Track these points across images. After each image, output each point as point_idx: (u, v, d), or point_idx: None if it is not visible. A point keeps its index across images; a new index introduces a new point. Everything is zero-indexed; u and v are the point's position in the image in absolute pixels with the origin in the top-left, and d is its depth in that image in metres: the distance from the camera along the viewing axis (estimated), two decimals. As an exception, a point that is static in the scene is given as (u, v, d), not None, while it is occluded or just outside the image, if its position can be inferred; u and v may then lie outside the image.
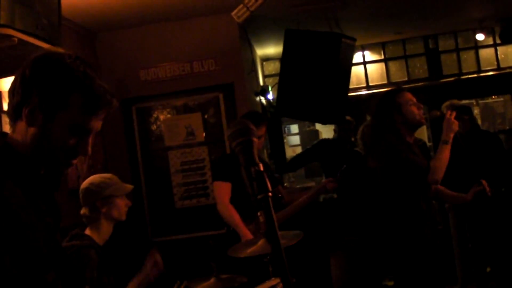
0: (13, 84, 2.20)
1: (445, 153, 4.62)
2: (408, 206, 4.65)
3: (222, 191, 5.49)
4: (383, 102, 4.83)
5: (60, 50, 2.28)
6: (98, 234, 4.03)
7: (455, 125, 4.68)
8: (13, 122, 2.22)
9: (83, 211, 4.04)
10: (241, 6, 6.18)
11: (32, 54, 2.23)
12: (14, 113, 2.19)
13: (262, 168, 1.68)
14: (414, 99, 4.75)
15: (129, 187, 4.23)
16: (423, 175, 4.61)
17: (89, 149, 2.24)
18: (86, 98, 2.15)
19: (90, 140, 2.23)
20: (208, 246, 5.40)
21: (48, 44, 4.42)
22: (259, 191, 1.65)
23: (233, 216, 5.34)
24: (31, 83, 2.14)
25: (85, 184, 4.09)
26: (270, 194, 1.65)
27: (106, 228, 4.09)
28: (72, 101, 2.13)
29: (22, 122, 2.16)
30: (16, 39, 3.72)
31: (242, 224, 5.31)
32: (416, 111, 4.69)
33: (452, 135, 4.65)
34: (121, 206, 4.10)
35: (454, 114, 4.73)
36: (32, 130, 2.15)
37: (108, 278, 3.92)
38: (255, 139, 1.75)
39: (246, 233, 5.23)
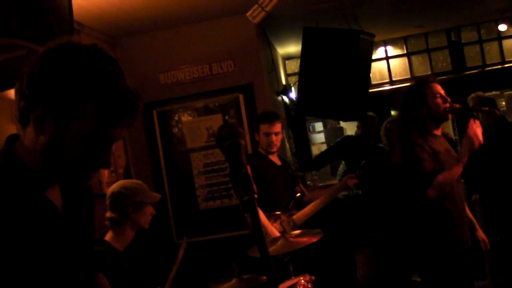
0: (19, 83, 1.87)
1: (455, 172, 4.46)
2: (429, 203, 4.57)
3: None
4: (410, 93, 4.76)
5: (76, 40, 1.95)
6: (120, 239, 4.02)
7: (478, 138, 4.50)
8: (22, 127, 1.92)
9: (110, 214, 4.00)
10: (255, 6, 6.19)
11: (45, 46, 1.91)
12: (21, 118, 1.89)
13: (249, 171, 1.67)
14: (442, 92, 4.66)
15: (158, 196, 4.22)
16: (422, 185, 4.50)
17: (110, 160, 1.98)
18: (107, 105, 1.84)
19: (112, 151, 1.97)
20: (229, 247, 5.44)
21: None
22: (245, 193, 1.64)
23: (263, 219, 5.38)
24: (40, 84, 1.82)
25: (116, 187, 4.06)
26: (255, 196, 1.64)
27: (129, 234, 4.09)
28: (90, 108, 1.82)
29: (31, 129, 1.86)
30: (26, 49, 3.69)
31: (267, 222, 5.33)
32: (441, 104, 4.60)
33: (468, 154, 4.47)
34: (148, 215, 4.10)
35: (477, 122, 4.54)
36: (42, 139, 1.86)
37: (128, 284, 3.92)
38: (242, 142, 1.73)
39: (272, 230, 5.25)
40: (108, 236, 4.01)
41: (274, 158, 5.73)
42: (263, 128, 5.61)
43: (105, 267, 3.76)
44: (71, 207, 2.10)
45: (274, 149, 5.68)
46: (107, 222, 4.02)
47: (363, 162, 5.94)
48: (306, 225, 5.36)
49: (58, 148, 1.86)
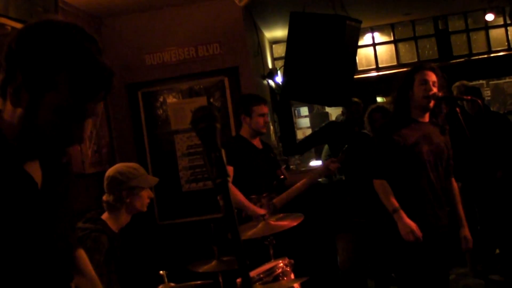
0: None
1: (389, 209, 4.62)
2: (406, 188, 4.62)
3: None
4: (404, 77, 4.79)
5: (58, 18, 1.97)
6: (116, 221, 4.03)
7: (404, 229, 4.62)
8: (3, 101, 1.96)
9: (106, 197, 4.01)
10: (241, -11, 6.18)
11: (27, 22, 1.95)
12: (1, 91, 1.93)
13: (223, 154, 1.69)
14: (432, 79, 4.66)
15: (154, 180, 4.22)
16: (371, 175, 4.65)
17: (84, 136, 1.99)
18: (79, 78, 1.85)
19: (85, 126, 1.97)
20: (209, 229, 5.44)
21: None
22: (218, 176, 1.66)
23: (237, 195, 5.39)
24: (16, 57, 1.86)
25: (111, 172, 4.06)
26: (228, 179, 1.66)
27: (125, 218, 4.10)
28: (60, 80, 1.84)
29: (9, 102, 1.91)
30: (9, 27, 3.70)
31: (247, 201, 5.36)
32: (423, 90, 4.62)
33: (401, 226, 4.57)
34: (145, 198, 4.10)
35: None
36: (18, 112, 1.90)
37: (115, 264, 3.94)
38: (217, 125, 1.75)
39: (254, 209, 5.29)
40: (105, 216, 4.02)
41: (257, 142, 5.74)
42: (258, 109, 5.61)
43: (101, 245, 3.77)
44: (51, 183, 2.11)
45: (265, 130, 5.72)
46: (104, 204, 4.03)
47: (345, 146, 5.95)
48: (288, 209, 5.37)
49: (31, 120, 1.89)
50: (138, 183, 4.01)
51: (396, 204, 4.55)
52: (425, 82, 4.63)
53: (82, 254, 2.66)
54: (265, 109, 5.67)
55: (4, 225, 1.89)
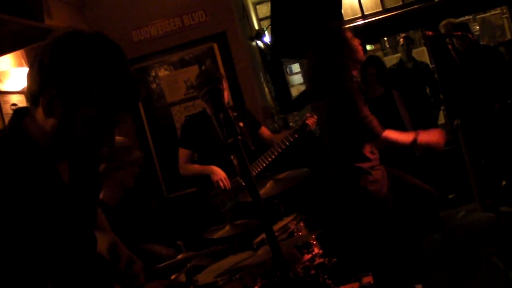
0: (31, 69, 2.01)
1: (402, 141, 4.62)
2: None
3: (181, 156, 5.89)
4: None
5: (81, 28, 2.06)
6: (109, 196, 4.07)
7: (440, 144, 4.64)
8: (34, 107, 2.04)
9: None
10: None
11: (52, 33, 2.02)
12: (32, 100, 2.02)
13: (231, 114, 1.71)
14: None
15: (139, 154, 4.23)
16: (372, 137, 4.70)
17: (112, 143, 2.09)
18: (110, 90, 1.96)
19: (113, 133, 2.08)
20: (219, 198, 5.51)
21: (31, 20, 4.40)
22: (229, 136, 1.68)
23: (192, 167, 5.55)
24: (49, 72, 1.94)
25: None
26: (239, 137, 1.68)
27: (116, 191, 4.13)
28: (94, 94, 1.94)
29: (41, 110, 1.99)
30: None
31: (203, 166, 5.60)
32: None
33: (418, 143, 4.61)
34: (130, 172, 4.12)
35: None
36: (51, 121, 1.99)
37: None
38: (221, 86, 1.77)
39: (212, 169, 5.52)
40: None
41: None
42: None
43: None
44: (78, 183, 2.21)
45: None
46: None
47: None
48: (292, 166, 5.40)
49: (66, 131, 1.99)
50: (122, 158, 4.05)
51: (410, 137, 4.62)
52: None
53: (99, 212, 2.74)
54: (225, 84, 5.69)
55: (34, 222, 1.95)
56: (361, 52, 4.78)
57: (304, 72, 6.65)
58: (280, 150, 5.74)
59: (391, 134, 4.63)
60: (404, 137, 4.67)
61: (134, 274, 2.43)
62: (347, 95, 4.55)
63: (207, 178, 5.68)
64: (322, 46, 4.68)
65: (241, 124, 5.76)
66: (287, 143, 5.79)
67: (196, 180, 5.89)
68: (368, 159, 4.71)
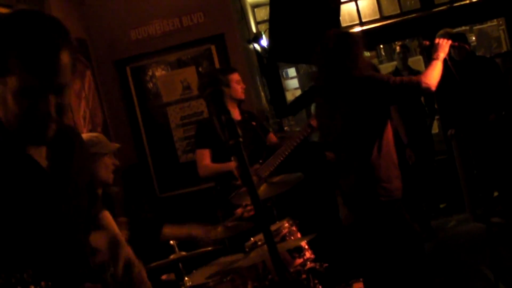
0: None
1: (435, 66, 4.60)
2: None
3: (199, 157, 5.74)
4: None
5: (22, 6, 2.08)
6: None
7: (445, 47, 4.68)
8: None
9: None
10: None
11: None
12: None
13: (232, 116, 1.72)
14: None
15: (115, 145, 4.19)
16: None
17: (52, 110, 2.01)
18: (25, 56, 1.94)
19: (51, 101, 2.00)
20: (212, 196, 5.50)
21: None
22: (230, 137, 1.70)
23: (214, 166, 5.53)
24: None
25: None
26: (240, 139, 1.70)
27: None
28: (11, 64, 1.94)
29: None
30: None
31: (224, 163, 5.50)
32: None
33: (441, 55, 4.63)
34: (108, 165, 4.05)
35: (444, 40, 4.72)
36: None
37: None
38: (224, 88, 1.78)
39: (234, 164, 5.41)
40: None
41: (235, 115, 5.77)
42: (235, 77, 5.66)
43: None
44: (59, 165, 2.19)
45: (244, 96, 5.77)
46: None
47: None
48: (286, 170, 5.40)
49: (4, 107, 2.01)
50: (97, 150, 3.95)
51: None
52: None
53: (106, 214, 2.78)
54: (238, 76, 5.72)
55: (9, 206, 1.97)
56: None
57: (311, 78, 6.65)
58: (295, 144, 5.78)
59: (428, 75, 4.63)
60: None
61: (132, 282, 2.42)
62: (368, 80, 4.56)
63: (222, 178, 5.66)
64: (330, 48, 4.68)
65: (253, 123, 5.84)
66: (302, 137, 5.88)
67: (189, 181, 5.87)
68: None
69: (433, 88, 4.51)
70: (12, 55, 1.92)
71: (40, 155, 2.12)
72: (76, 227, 2.25)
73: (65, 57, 1.99)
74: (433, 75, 4.51)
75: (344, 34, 4.84)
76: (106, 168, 4.03)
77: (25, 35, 1.93)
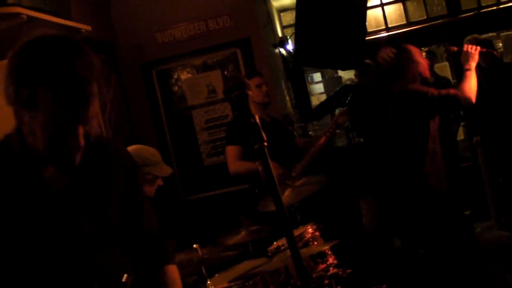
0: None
1: (470, 78, 4.65)
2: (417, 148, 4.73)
3: (230, 153, 5.68)
4: None
5: (52, 32, 2.00)
6: None
7: (475, 55, 4.70)
8: None
9: None
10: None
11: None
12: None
13: (258, 120, 1.72)
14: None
15: (168, 170, 4.17)
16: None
17: (81, 141, 1.97)
18: (56, 91, 1.89)
19: (80, 132, 1.96)
20: (235, 200, 5.50)
21: (58, 18, 4.44)
22: (255, 142, 1.69)
23: (245, 163, 5.49)
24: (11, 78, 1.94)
25: (132, 151, 3.87)
26: (265, 144, 1.69)
27: None
28: (40, 98, 1.89)
29: None
30: (25, 16, 3.72)
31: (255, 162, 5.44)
32: None
33: (473, 64, 4.67)
34: (154, 185, 4.06)
35: (473, 47, 4.75)
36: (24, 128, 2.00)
37: None
38: (249, 92, 1.78)
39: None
40: None
41: (264, 115, 5.78)
42: (255, 81, 5.67)
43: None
44: (75, 192, 2.15)
45: (268, 99, 5.76)
46: None
47: (349, 96, 5.99)
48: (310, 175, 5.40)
49: (31, 135, 1.96)
50: (150, 171, 3.98)
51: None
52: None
53: (171, 271, 2.61)
54: (259, 80, 5.71)
55: (17, 229, 1.97)
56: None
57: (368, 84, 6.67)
58: (327, 140, 5.83)
59: (465, 88, 4.68)
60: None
61: None
62: (412, 94, 4.64)
63: (255, 181, 5.64)
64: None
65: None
66: (331, 131, 5.96)
67: (213, 184, 5.87)
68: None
69: (473, 100, 4.59)
70: (42, 89, 1.88)
71: (58, 177, 2.09)
72: (95, 247, 2.19)
73: (94, 88, 1.97)
74: (471, 87, 4.58)
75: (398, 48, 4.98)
76: (151, 187, 4.04)
77: (56, 69, 1.89)
